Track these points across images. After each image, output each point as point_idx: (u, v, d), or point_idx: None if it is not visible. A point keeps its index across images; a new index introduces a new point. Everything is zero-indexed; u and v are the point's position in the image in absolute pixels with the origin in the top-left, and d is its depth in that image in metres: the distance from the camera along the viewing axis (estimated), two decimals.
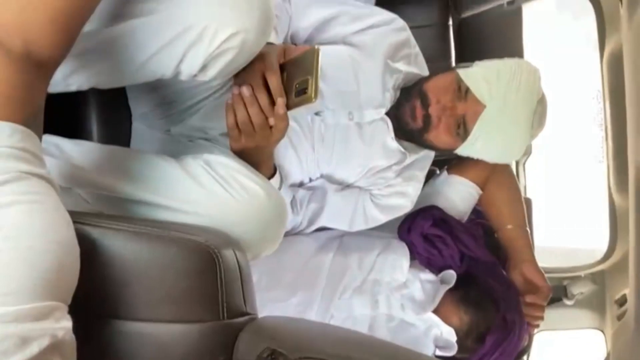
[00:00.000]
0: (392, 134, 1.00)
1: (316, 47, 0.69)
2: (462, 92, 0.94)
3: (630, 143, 1.01)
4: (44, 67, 0.51)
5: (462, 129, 0.94)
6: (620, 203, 1.35)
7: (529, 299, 1.06)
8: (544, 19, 1.73)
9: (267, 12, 0.64)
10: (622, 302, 1.34)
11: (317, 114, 0.97)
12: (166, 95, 0.90)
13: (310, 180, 1.05)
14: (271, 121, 0.71)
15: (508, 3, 1.34)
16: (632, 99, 0.99)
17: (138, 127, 0.94)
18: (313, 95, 0.68)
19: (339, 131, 0.99)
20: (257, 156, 0.78)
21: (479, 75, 0.94)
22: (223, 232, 0.68)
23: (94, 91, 0.75)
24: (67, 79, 0.68)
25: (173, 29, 0.62)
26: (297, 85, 0.71)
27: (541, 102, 0.96)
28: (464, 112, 0.93)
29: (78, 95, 0.75)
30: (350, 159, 1.01)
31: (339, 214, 1.05)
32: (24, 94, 0.49)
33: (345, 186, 1.06)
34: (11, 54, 0.48)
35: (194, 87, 0.85)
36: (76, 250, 0.49)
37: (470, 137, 0.95)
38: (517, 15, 1.34)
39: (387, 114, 1.00)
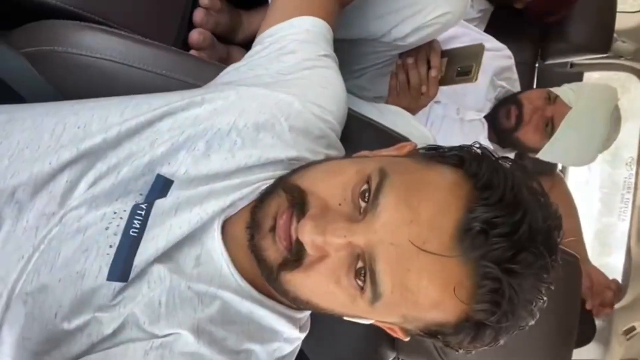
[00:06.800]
0: (486, 134, 1.26)
1: (482, 43, 0.94)
2: (552, 98, 1.20)
3: None
4: None
5: (550, 127, 1.19)
6: (637, 253, 1.57)
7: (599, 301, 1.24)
8: None
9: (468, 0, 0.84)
10: (629, 331, 1.55)
11: (435, 102, 1.23)
12: (343, 57, 1.15)
13: None
14: (423, 89, 0.95)
15: (571, 65, 1.64)
16: None
17: None
18: (474, 77, 0.91)
19: (446, 122, 1.25)
20: None
21: (565, 87, 1.22)
22: None
23: None
24: None
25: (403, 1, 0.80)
26: (458, 69, 0.93)
27: (617, 108, 1.20)
28: (552, 113, 1.18)
29: None
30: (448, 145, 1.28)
31: None
32: None
33: None
34: None
35: (371, 53, 1.01)
36: None
37: (553, 138, 1.19)
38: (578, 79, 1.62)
39: (485, 117, 1.27)
